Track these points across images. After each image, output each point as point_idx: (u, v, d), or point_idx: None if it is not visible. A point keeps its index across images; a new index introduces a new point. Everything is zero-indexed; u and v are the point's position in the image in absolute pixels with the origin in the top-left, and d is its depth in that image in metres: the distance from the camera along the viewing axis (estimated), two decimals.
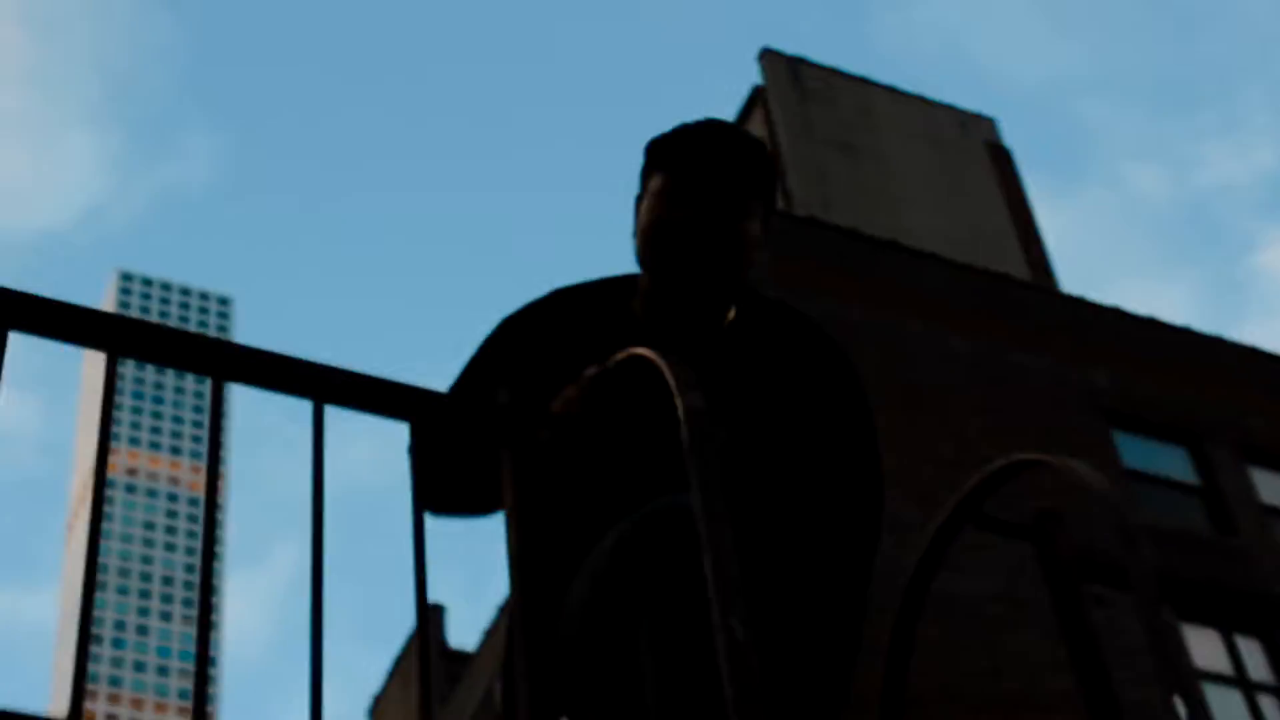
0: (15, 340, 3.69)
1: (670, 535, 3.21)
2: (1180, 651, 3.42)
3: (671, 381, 3.32)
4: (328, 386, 3.40)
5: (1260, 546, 25.41)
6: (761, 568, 3.46)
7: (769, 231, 3.83)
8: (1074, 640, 3.74)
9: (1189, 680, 3.37)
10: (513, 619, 3.27)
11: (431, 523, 3.88)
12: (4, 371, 3.32)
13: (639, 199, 3.82)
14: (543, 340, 3.74)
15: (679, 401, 3.26)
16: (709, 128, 3.74)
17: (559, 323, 3.75)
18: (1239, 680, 22.01)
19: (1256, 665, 22.71)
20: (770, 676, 3.35)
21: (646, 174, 3.79)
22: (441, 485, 3.73)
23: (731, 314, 3.82)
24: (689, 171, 3.68)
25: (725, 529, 3.11)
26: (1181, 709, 3.33)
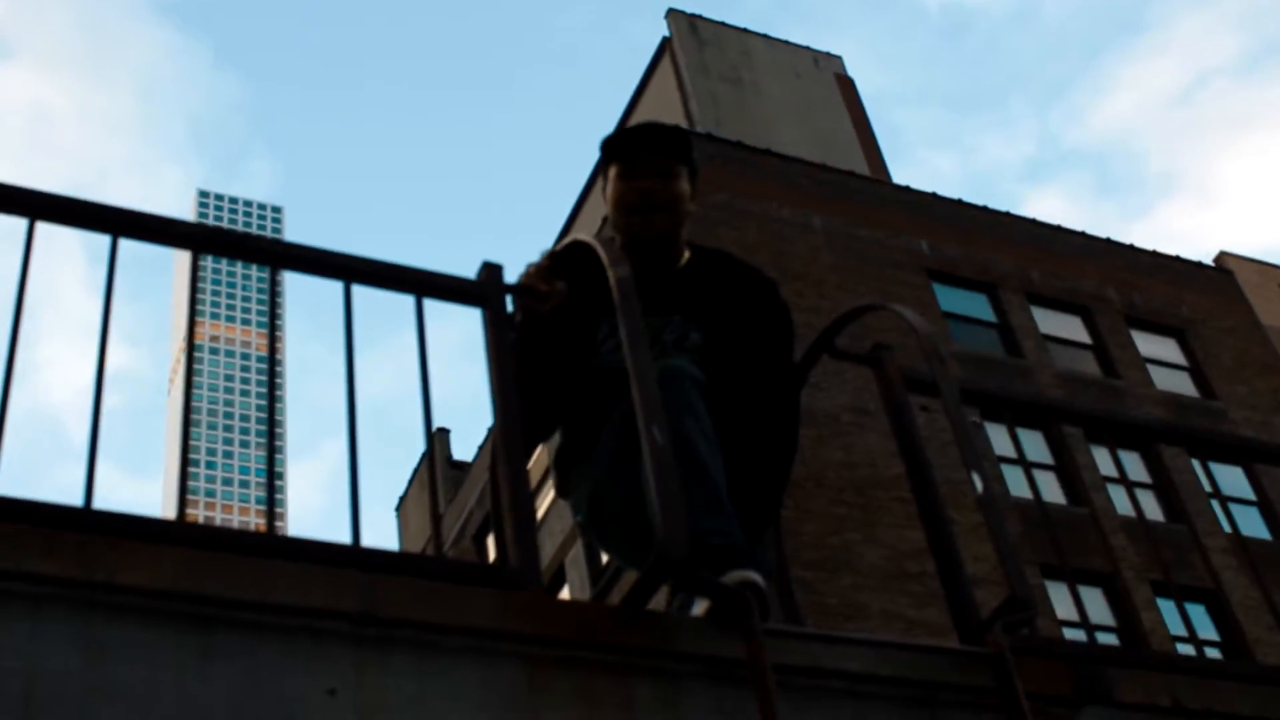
0: (124, 244, 3.74)
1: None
2: (976, 441, 3.48)
3: (603, 258, 3.34)
4: (352, 271, 3.41)
5: (1039, 365, 25.68)
6: (724, 413, 3.59)
7: (697, 193, 4.03)
8: (902, 437, 3.80)
9: (981, 460, 3.44)
10: (496, 430, 3.33)
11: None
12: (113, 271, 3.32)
13: (604, 184, 4.01)
14: (567, 274, 3.73)
15: (610, 272, 3.29)
16: (642, 127, 3.99)
17: (577, 263, 3.73)
18: (1021, 461, 22.36)
19: (1037, 450, 23.03)
20: (732, 485, 3.44)
21: (605, 164, 3.98)
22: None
23: (686, 258, 4.01)
24: (636, 156, 3.92)
25: (648, 359, 3.15)
26: (978, 480, 3.40)
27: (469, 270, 3.61)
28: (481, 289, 3.49)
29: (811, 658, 3.10)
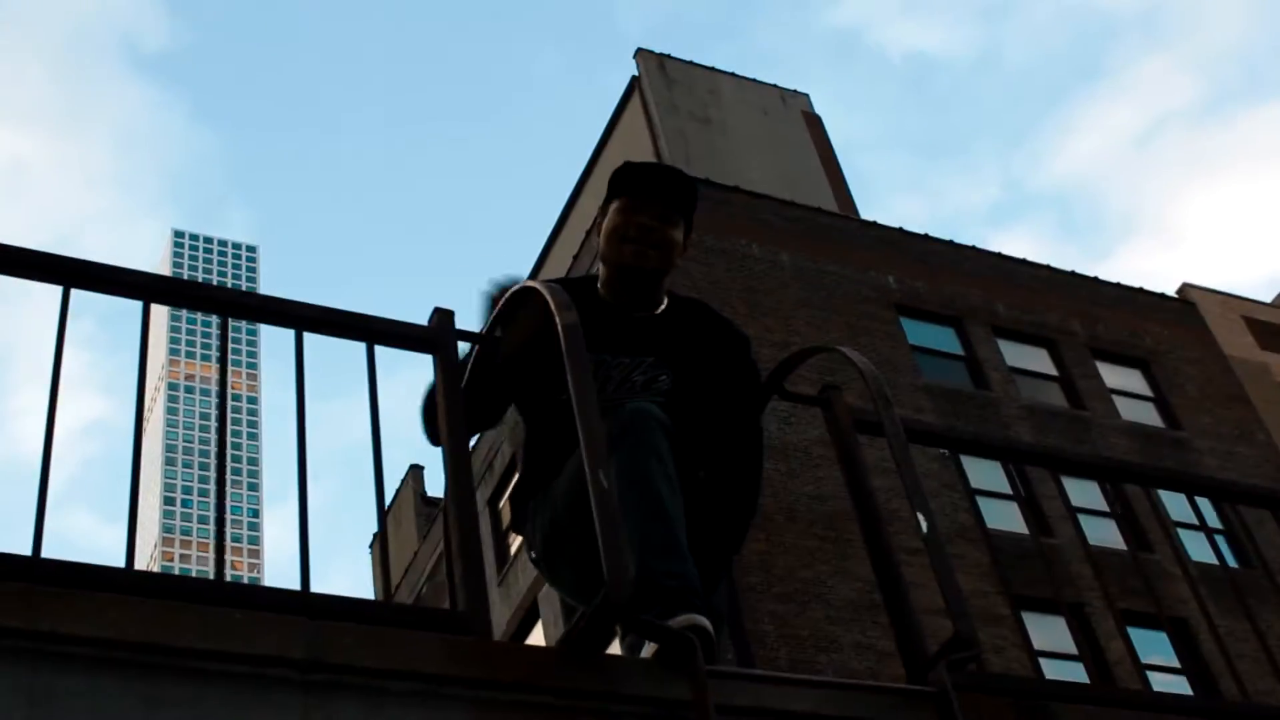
0: (82, 295, 3.71)
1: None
2: (921, 480, 3.50)
3: (550, 304, 3.35)
4: (301, 319, 3.42)
5: (1006, 398, 25.77)
6: (688, 459, 3.60)
7: (689, 236, 4.02)
8: (850, 475, 3.83)
9: (925, 499, 3.46)
10: (448, 476, 3.33)
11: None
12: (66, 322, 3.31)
13: (601, 215, 4.04)
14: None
15: (556, 318, 3.30)
16: (656, 167, 3.99)
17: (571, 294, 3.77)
18: (968, 491, 22.31)
19: (997, 483, 22.92)
20: (697, 524, 3.45)
21: (610, 195, 3.97)
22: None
23: (664, 304, 4.01)
24: (645, 193, 3.91)
25: (593, 405, 3.15)
26: (923, 521, 3.42)
27: (443, 306, 3.62)
28: (433, 335, 3.50)
29: (757, 698, 3.10)
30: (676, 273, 4.03)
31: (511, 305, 3.67)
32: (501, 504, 27.23)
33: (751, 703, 3.08)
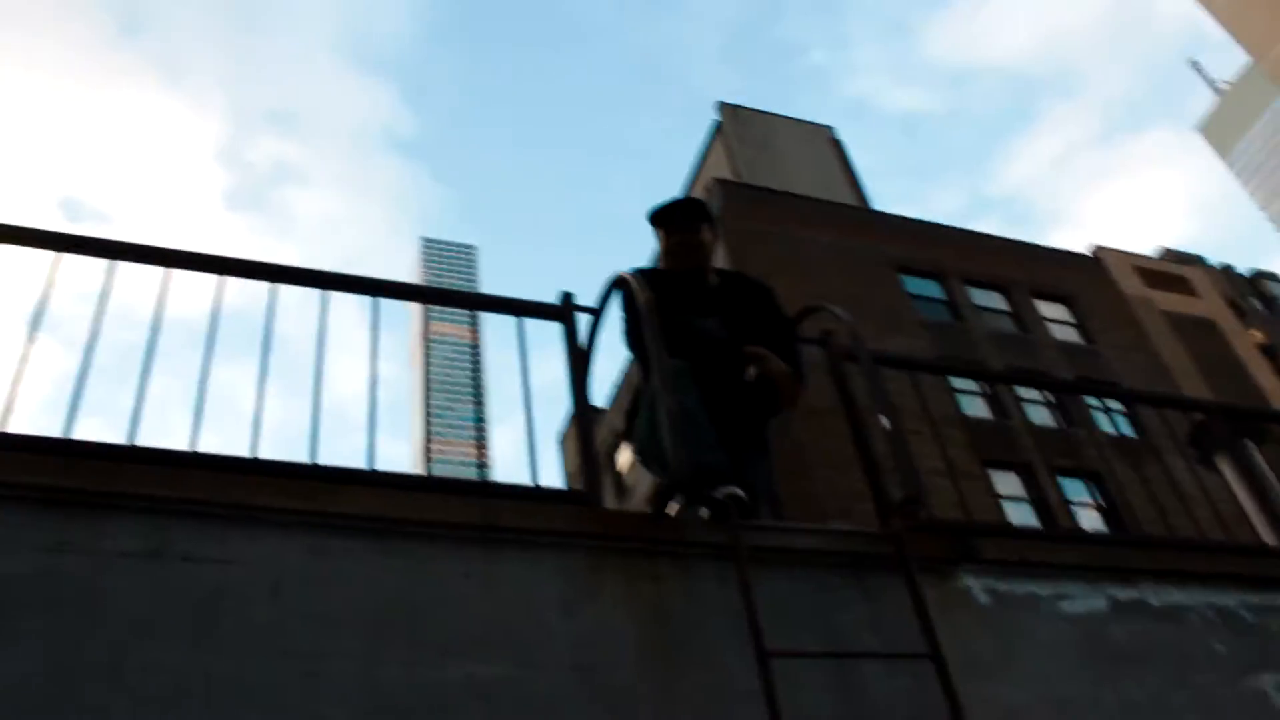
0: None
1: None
2: (885, 391, 3.46)
3: (635, 290, 3.38)
4: (477, 304, 3.48)
5: (976, 327, 25.20)
6: (730, 389, 3.59)
7: (717, 237, 4.02)
8: (840, 390, 3.81)
9: (888, 405, 3.44)
10: (574, 406, 3.38)
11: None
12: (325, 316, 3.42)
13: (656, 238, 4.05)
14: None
15: (638, 298, 3.32)
16: (679, 201, 4.02)
17: (652, 281, 3.74)
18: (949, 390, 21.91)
19: (976, 407, 22.29)
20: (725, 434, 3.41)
21: (655, 226, 4.02)
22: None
23: (714, 279, 3.99)
24: (672, 221, 3.97)
25: (663, 353, 3.18)
26: (885, 420, 3.40)
27: (567, 290, 3.62)
28: (560, 311, 3.53)
29: (778, 540, 3.13)
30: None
31: (611, 289, 3.68)
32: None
33: (774, 543, 3.11)
